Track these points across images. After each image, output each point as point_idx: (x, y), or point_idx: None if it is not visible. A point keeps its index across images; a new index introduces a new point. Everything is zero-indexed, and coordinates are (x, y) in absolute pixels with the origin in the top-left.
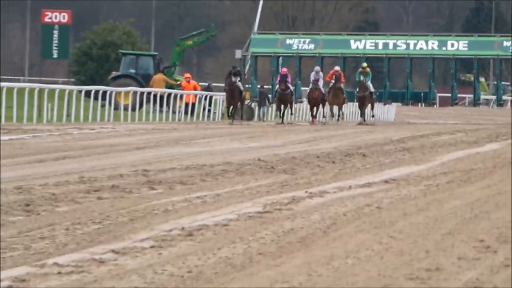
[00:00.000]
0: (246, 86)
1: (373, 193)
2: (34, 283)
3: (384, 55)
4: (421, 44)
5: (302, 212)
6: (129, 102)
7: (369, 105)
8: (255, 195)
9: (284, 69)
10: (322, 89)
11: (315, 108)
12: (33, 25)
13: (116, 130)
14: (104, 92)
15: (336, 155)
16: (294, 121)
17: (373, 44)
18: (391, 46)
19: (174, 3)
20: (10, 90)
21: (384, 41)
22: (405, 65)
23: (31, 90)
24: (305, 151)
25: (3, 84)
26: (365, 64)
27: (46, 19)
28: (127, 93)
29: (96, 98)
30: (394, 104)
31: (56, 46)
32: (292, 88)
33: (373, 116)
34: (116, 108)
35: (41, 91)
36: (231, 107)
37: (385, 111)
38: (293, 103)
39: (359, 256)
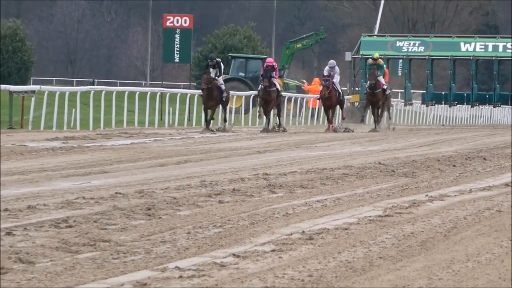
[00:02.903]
0: (356, 89)
1: (493, 196)
2: (155, 287)
3: (493, 58)
4: None
5: (422, 215)
6: (241, 105)
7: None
8: (376, 199)
9: (270, 60)
10: (338, 87)
11: (330, 111)
12: (155, 29)
13: (237, 134)
14: None
15: (456, 158)
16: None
17: (483, 46)
18: (500, 49)
19: (295, 5)
20: (131, 95)
21: (494, 43)
22: None
23: (153, 94)
24: (425, 155)
25: (125, 88)
26: (377, 55)
27: (168, 23)
28: (238, 96)
29: None
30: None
31: (177, 50)
32: (278, 85)
33: (390, 118)
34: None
35: (162, 95)
36: (208, 110)
37: (505, 114)
38: (281, 104)
39: (480, 260)
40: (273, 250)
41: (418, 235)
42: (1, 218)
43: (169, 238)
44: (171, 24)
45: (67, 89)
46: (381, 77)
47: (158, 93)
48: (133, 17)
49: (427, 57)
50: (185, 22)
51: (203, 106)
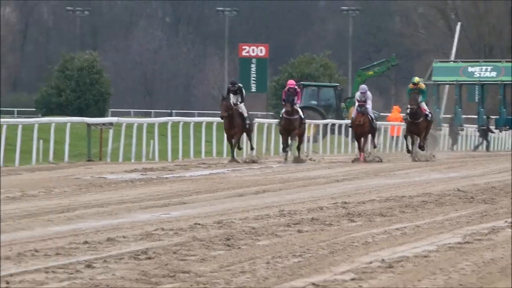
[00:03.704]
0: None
1: None
2: None
3: None
4: None
5: (502, 242)
6: (311, 133)
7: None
8: (455, 226)
9: (291, 82)
10: (371, 113)
11: (362, 139)
12: (232, 58)
13: (315, 162)
14: None
15: None
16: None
17: None
18: None
19: (370, 32)
20: (209, 125)
21: None
22: None
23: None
24: (504, 181)
25: (202, 118)
26: (417, 79)
27: (244, 53)
28: (309, 124)
29: None
30: None
31: (254, 79)
32: (301, 112)
33: (421, 147)
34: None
35: None
36: (232, 140)
37: None
38: (305, 132)
39: None
40: (353, 279)
41: (498, 262)
42: (81, 250)
43: (249, 268)
44: (247, 54)
45: (145, 120)
46: (423, 103)
47: None
48: (209, 47)
49: (499, 82)
50: (261, 52)
51: (225, 136)
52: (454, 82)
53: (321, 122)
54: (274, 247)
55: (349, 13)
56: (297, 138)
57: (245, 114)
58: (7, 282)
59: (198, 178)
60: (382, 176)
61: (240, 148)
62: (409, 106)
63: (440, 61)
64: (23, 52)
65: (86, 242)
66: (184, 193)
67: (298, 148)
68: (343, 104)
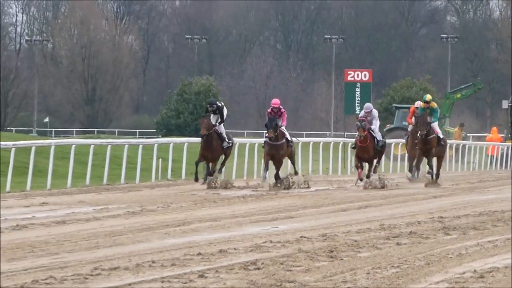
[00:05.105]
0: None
1: None
2: None
3: None
4: None
5: None
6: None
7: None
8: None
9: (275, 101)
10: (377, 135)
11: (363, 164)
12: (338, 82)
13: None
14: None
15: None
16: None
17: None
18: None
19: (468, 58)
20: (316, 144)
21: None
22: None
23: (336, 144)
24: None
25: (310, 139)
26: (429, 97)
27: (349, 78)
28: (402, 144)
29: None
30: None
31: (358, 102)
32: (287, 134)
33: (430, 172)
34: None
35: (344, 144)
36: (204, 162)
37: None
38: (294, 156)
39: None
40: None
41: None
42: (195, 262)
43: (350, 278)
44: (352, 78)
45: (256, 140)
46: (436, 123)
47: (341, 143)
48: (317, 72)
49: None
50: (365, 76)
51: (199, 155)
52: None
53: None
54: (374, 259)
55: (448, 40)
56: (280, 166)
57: (224, 135)
58: None
59: (305, 194)
60: (476, 192)
61: (220, 172)
62: (418, 132)
63: None
64: (145, 77)
65: (199, 254)
66: (291, 208)
67: (293, 164)
68: None
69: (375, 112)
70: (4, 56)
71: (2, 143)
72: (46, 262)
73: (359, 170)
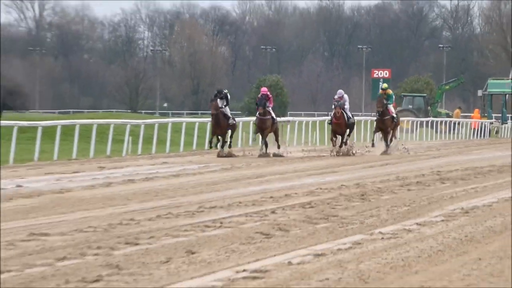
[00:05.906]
0: (485, 115)
1: None
2: (365, 245)
3: None
4: None
5: None
6: (409, 127)
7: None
8: (510, 186)
9: (264, 89)
10: (348, 112)
11: (338, 136)
12: (366, 79)
13: (421, 146)
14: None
15: None
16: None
17: None
18: None
19: (457, 63)
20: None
21: None
22: None
23: (365, 121)
24: None
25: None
26: (385, 85)
27: (375, 75)
28: (407, 122)
29: None
30: None
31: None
32: (273, 113)
33: (387, 144)
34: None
35: (371, 121)
36: (217, 136)
37: None
38: (277, 130)
39: None
40: (442, 220)
41: None
42: (268, 202)
43: (375, 213)
44: (377, 75)
45: (310, 119)
46: (391, 105)
47: (369, 120)
48: (353, 72)
49: None
50: (386, 74)
51: (211, 131)
52: (501, 93)
53: (413, 119)
54: (392, 200)
55: (443, 49)
56: (267, 135)
57: (229, 115)
58: (221, 223)
59: (345, 156)
60: (464, 154)
61: (225, 142)
62: (376, 109)
63: (494, 79)
64: (233, 76)
65: (271, 197)
66: (335, 165)
67: (277, 141)
68: (429, 108)
69: (346, 97)
70: (135, 61)
71: (133, 121)
72: (165, 203)
73: (334, 140)
